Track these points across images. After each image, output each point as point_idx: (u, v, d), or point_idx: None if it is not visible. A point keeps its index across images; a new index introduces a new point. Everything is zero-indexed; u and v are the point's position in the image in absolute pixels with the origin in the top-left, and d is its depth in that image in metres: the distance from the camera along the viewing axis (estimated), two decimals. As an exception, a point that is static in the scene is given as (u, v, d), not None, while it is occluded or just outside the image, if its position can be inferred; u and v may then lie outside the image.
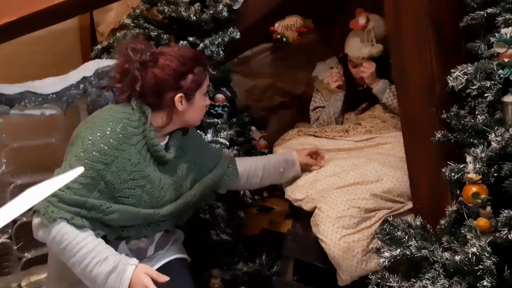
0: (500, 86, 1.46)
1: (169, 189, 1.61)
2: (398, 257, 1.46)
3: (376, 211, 1.86)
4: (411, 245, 1.46)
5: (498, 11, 1.50)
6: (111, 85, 1.61)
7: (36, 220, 1.47)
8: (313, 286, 1.99)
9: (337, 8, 2.64)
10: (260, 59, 2.82)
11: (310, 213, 1.95)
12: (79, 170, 0.90)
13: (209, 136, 2.16)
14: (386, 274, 1.48)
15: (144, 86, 1.53)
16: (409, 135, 1.72)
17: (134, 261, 1.47)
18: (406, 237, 1.51)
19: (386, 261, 1.47)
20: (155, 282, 1.44)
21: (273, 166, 1.98)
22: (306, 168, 2.07)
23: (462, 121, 1.53)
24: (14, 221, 2.20)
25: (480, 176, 1.40)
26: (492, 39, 1.46)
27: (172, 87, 1.54)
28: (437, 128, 1.58)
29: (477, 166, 1.41)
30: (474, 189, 1.40)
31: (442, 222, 1.51)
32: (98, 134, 1.48)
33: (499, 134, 1.40)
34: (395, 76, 1.77)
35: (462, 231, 1.40)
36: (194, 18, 2.20)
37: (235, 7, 2.29)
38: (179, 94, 1.54)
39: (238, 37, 2.26)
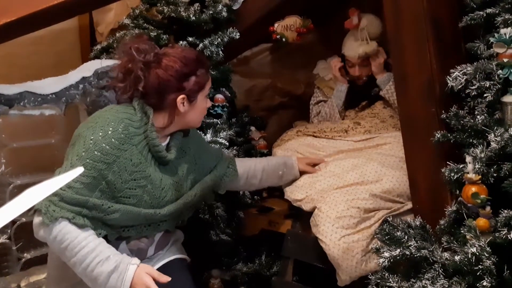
0: (499, 86, 1.46)
1: (170, 189, 1.61)
2: (398, 257, 1.46)
3: (376, 211, 1.86)
4: (410, 245, 1.46)
5: (497, 11, 1.50)
6: (113, 84, 1.61)
7: (37, 219, 1.47)
8: (312, 287, 1.99)
9: (337, 9, 2.64)
10: (259, 59, 2.82)
11: (310, 213, 1.95)
12: (79, 169, 0.90)
13: (208, 136, 2.16)
14: (386, 274, 1.48)
15: (147, 86, 1.53)
16: (409, 135, 1.72)
17: (136, 261, 1.47)
18: (406, 237, 1.51)
19: (386, 261, 1.46)
20: (156, 282, 1.44)
21: (272, 169, 1.99)
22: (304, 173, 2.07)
23: (462, 121, 1.53)
24: (13, 222, 2.20)
25: (480, 176, 1.40)
26: (492, 39, 1.47)
27: (174, 88, 1.54)
28: (436, 128, 1.58)
29: (477, 166, 1.41)
30: (473, 189, 1.40)
31: (442, 222, 1.51)
32: (100, 134, 1.48)
33: (499, 134, 1.41)
34: (394, 76, 1.78)
35: (462, 231, 1.40)
36: (194, 18, 2.20)
37: (234, 8, 2.30)
38: (181, 96, 1.55)
39: (237, 37, 2.26)
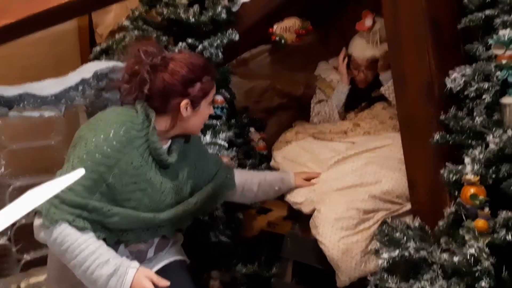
0: (498, 87, 1.46)
1: (170, 193, 1.61)
2: (397, 259, 1.46)
3: (375, 212, 1.87)
4: (409, 247, 1.46)
5: (496, 13, 1.50)
6: (118, 85, 1.61)
7: (37, 221, 1.47)
8: (312, 288, 2.00)
9: (336, 10, 2.65)
10: (258, 61, 2.83)
11: (309, 215, 1.95)
12: (81, 172, 0.90)
13: (208, 138, 2.16)
14: (385, 276, 1.49)
15: (152, 89, 1.53)
16: (408, 136, 1.73)
17: (135, 264, 1.47)
18: (405, 238, 1.51)
19: (385, 262, 1.47)
20: (155, 286, 1.44)
21: (269, 184, 1.98)
22: None
23: (460, 123, 1.53)
24: (13, 223, 2.20)
25: (478, 178, 1.41)
26: (490, 41, 1.47)
27: (179, 93, 1.54)
28: (435, 129, 1.58)
29: (475, 167, 1.41)
30: (472, 190, 1.40)
31: (441, 223, 1.52)
32: (102, 136, 1.48)
33: (497, 135, 1.41)
34: (393, 77, 1.78)
35: (461, 232, 1.40)
36: (193, 20, 2.20)
37: (233, 9, 2.30)
38: (185, 101, 1.55)
39: (236, 38, 2.26)
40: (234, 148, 2.25)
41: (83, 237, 1.44)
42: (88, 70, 2.18)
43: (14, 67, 2.85)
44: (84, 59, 2.88)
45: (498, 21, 1.48)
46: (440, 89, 1.59)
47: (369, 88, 2.38)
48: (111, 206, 1.49)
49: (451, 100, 1.59)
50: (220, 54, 2.25)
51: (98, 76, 2.13)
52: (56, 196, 1.42)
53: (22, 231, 2.19)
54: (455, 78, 1.53)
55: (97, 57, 2.47)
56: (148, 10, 2.40)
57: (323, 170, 2.09)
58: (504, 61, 1.44)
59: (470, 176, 1.41)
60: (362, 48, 2.29)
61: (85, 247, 1.43)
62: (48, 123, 2.28)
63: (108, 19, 3.11)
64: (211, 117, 2.22)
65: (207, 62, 1.66)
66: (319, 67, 2.57)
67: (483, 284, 1.28)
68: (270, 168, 2.31)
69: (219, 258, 2.21)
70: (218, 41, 2.24)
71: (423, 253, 1.44)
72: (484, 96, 1.48)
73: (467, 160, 1.43)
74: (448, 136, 1.55)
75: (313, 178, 2.06)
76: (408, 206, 1.86)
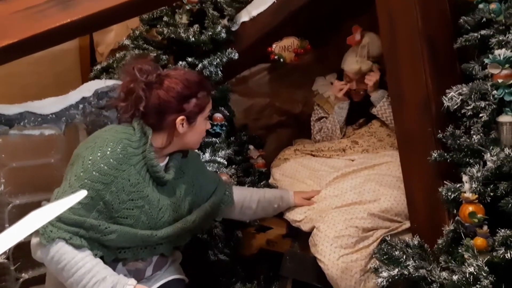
0: (494, 106, 1.48)
1: (167, 210, 1.61)
2: (396, 277, 1.46)
3: (374, 230, 1.87)
4: (409, 265, 1.46)
5: (491, 33, 1.53)
6: (115, 104, 1.63)
7: (34, 240, 1.47)
8: (311, 306, 1.98)
9: (333, 29, 2.68)
10: (258, 79, 2.85)
11: (308, 233, 1.95)
12: (83, 193, 0.90)
13: (207, 155, 2.16)
14: (384, 294, 1.48)
15: (147, 106, 1.54)
16: (406, 154, 1.73)
17: (132, 281, 1.47)
18: (404, 256, 1.51)
19: (384, 281, 1.47)
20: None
21: (268, 201, 1.99)
22: None
23: (458, 141, 1.54)
24: (12, 241, 2.19)
25: (477, 196, 1.41)
26: (486, 60, 1.49)
27: (174, 109, 1.55)
28: (433, 147, 1.60)
29: (473, 185, 1.42)
30: (470, 208, 1.41)
31: (440, 241, 1.52)
32: (99, 154, 1.48)
33: (495, 153, 1.42)
34: (391, 96, 1.80)
35: (460, 251, 1.40)
36: (193, 39, 2.23)
37: (233, 29, 2.33)
38: (181, 117, 1.56)
39: (236, 57, 2.29)
40: (234, 166, 2.26)
41: (80, 255, 1.44)
42: (88, 88, 2.20)
43: (15, 85, 2.86)
44: (85, 78, 2.90)
45: (493, 40, 1.50)
46: (438, 107, 1.60)
47: (366, 103, 2.39)
48: (108, 224, 1.50)
49: (449, 119, 1.60)
50: (219, 72, 2.27)
51: (98, 94, 2.15)
52: (53, 214, 1.42)
53: (21, 250, 2.17)
54: (452, 97, 1.55)
55: (97, 76, 2.49)
56: (149, 29, 2.44)
57: (322, 187, 2.10)
58: (500, 80, 1.46)
59: (468, 194, 1.42)
60: (350, 62, 2.34)
61: (82, 265, 1.43)
62: (48, 141, 2.28)
63: (109, 38, 3.14)
64: (210, 134, 2.25)
65: (202, 78, 1.68)
66: (316, 82, 2.59)
67: (482, 302, 1.28)
68: (269, 186, 2.31)
69: (218, 277, 2.19)
70: (218, 59, 2.27)
71: (422, 271, 1.44)
72: (481, 115, 1.49)
73: (465, 178, 1.44)
74: (446, 154, 1.56)
75: (313, 197, 2.07)
76: (407, 224, 1.86)
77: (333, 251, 1.80)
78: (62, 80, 2.99)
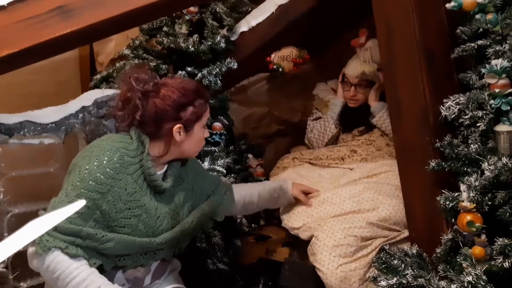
0: (492, 115, 1.49)
1: (166, 218, 1.62)
2: (395, 286, 1.46)
3: (373, 239, 1.87)
4: (407, 274, 1.47)
5: (488, 43, 1.54)
6: (113, 113, 1.64)
7: (31, 249, 1.47)
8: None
9: (332, 39, 2.70)
10: (257, 88, 2.86)
11: (307, 242, 1.95)
12: (81, 202, 0.90)
13: (206, 164, 2.17)
14: (383, 304, 1.48)
15: (144, 115, 1.55)
16: (404, 163, 1.74)
17: (127, 291, 1.47)
18: (403, 265, 1.52)
19: (383, 290, 1.47)
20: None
21: (268, 193, 2.01)
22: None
23: (456, 150, 1.55)
24: (10, 250, 2.18)
25: (475, 205, 1.42)
26: (483, 70, 1.50)
27: (171, 118, 1.56)
28: (431, 157, 1.60)
29: (471, 194, 1.42)
30: (468, 217, 1.41)
31: (438, 250, 1.52)
32: (95, 163, 1.49)
33: (492, 163, 1.43)
34: (389, 105, 1.81)
35: (458, 260, 1.41)
36: (193, 49, 2.25)
37: (232, 39, 2.35)
38: (178, 125, 1.56)
39: (235, 67, 2.30)
40: (232, 175, 2.26)
41: (74, 265, 1.44)
42: (88, 98, 2.20)
43: (14, 95, 2.87)
44: (85, 87, 2.91)
45: (490, 51, 1.51)
46: (435, 117, 1.61)
47: (366, 111, 2.40)
48: (105, 232, 1.49)
49: (446, 128, 1.61)
50: (219, 82, 2.28)
51: (98, 104, 2.16)
52: (49, 224, 1.42)
53: (20, 259, 2.17)
54: (450, 106, 1.56)
55: (97, 85, 2.50)
56: (148, 39, 2.45)
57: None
58: (497, 90, 1.47)
59: (466, 203, 1.43)
60: (354, 65, 2.35)
61: (76, 274, 1.42)
62: (48, 150, 2.28)
63: (108, 48, 3.15)
64: (209, 143, 2.25)
65: (199, 86, 1.69)
66: (317, 87, 2.60)
67: (481, 311, 1.28)
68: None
69: (216, 286, 2.19)
70: (217, 69, 2.28)
71: (421, 280, 1.44)
72: (478, 124, 1.50)
73: (463, 187, 1.45)
74: (444, 163, 1.57)
75: (311, 193, 2.07)
76: (405, 233, 1.86)
77: (332, 260, 1.80)
78: (62, 89, 2.99)
